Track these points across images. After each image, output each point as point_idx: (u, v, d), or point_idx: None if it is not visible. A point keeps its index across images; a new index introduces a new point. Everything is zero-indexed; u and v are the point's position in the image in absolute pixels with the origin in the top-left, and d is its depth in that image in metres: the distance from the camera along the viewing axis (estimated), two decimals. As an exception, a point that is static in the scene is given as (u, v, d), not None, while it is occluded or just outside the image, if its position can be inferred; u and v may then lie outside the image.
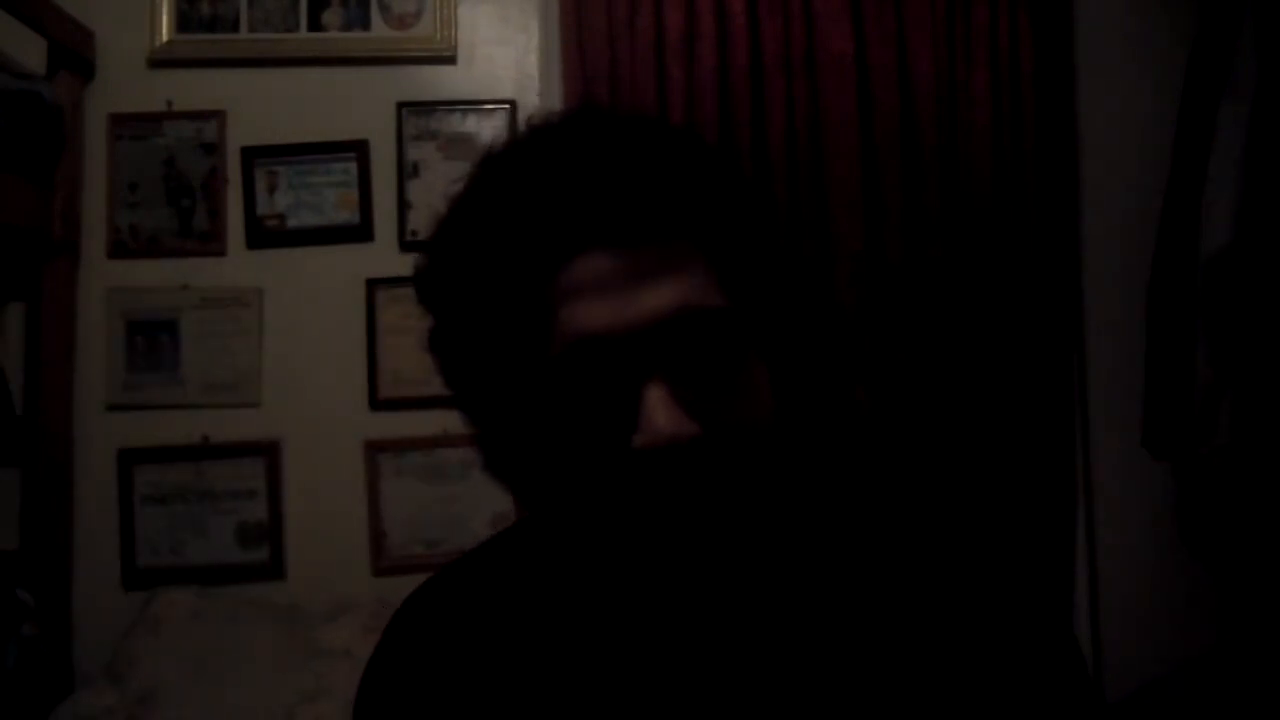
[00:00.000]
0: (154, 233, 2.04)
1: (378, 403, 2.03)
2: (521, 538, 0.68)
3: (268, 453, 2.01)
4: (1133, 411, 1.98)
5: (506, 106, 2.08)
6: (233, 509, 2.00)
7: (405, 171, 2.06)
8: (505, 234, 0.53)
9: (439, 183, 2.05)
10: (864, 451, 1.96)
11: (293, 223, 2.06)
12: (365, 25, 2.08)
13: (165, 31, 2.05)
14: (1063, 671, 0.57)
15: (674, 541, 0.52)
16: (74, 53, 1.98)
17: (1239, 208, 1.72)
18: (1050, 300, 2.03)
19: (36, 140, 1.86)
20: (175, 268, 2.03)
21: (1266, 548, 1.98)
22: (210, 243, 2.04)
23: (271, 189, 2.05)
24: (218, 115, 2.06)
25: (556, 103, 2.01)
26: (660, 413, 0.50)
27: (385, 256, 2.05)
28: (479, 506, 2.00)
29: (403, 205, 2.06)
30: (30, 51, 1.95)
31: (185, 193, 2.05)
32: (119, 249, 2.03)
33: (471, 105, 2.08)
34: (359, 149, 2.06)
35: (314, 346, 2.04)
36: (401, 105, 2.07)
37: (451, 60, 2.10)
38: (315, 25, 2.08)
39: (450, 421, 2.03)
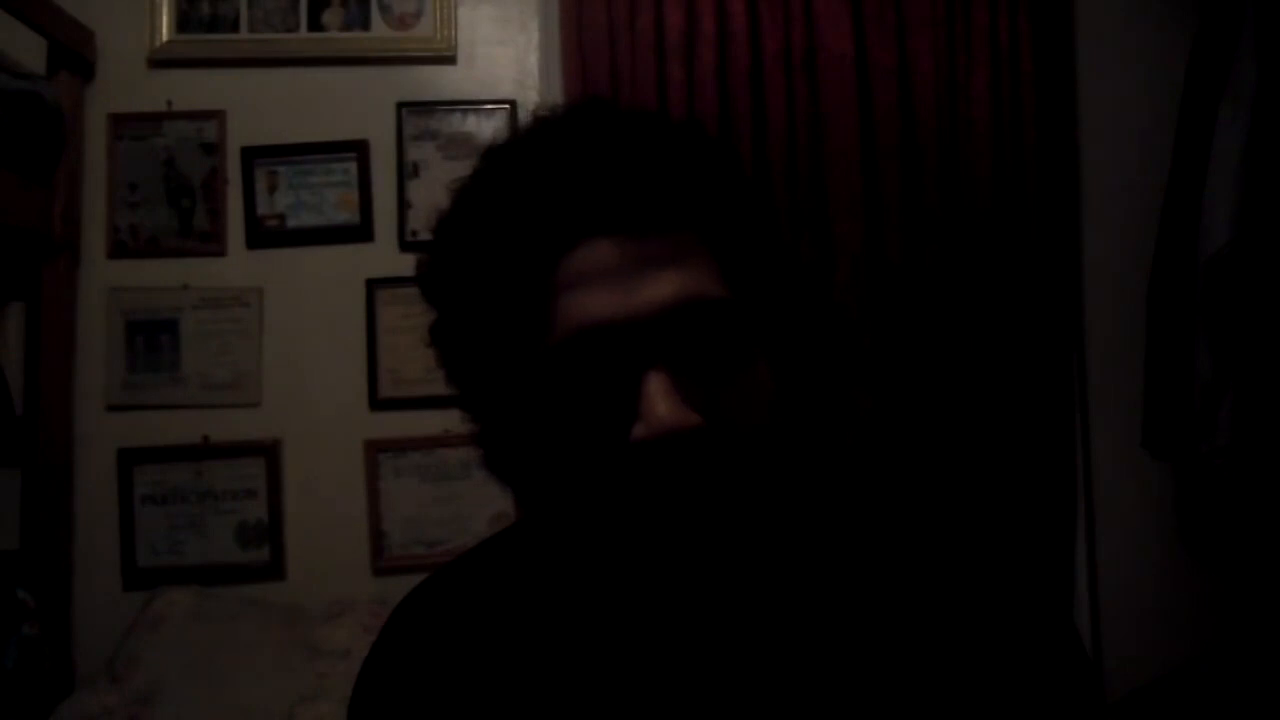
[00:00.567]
0: (154, 233, 2.04)
1: (378, 403, 2.03)
2: (519, 538, 0.68)
3: (268, 453, 2.01)
4: (1133, 411, 1.98)
5: (506, 106, 2.08)
6: (233, 509, 2.00)
7: (405, 171, 2.06)
8: (508, 222, 0.53)
9: (439, 183, 2.04)
10: (864, 450, 1.96)
11: (293, 223, 2.06)
12: (365, 25, 2.08)
13: (165, 31, 2.05)
14: (1065, 671, 0.57)
15: (673, 539, 0.52)
16: (74, 53, 1.98)
17: (1239, 208, 1.72)
18: (1050, 300, 2.03)
19: (36, 140, 1.86)
20: (175, 268, 2.03)
21: (1267, 548, 1.98)
22: (210, 243, 2.04)
23: (271, 189, 2.05)
24: (218, 115, 2.06)
25: (557, 103, 2.01)
26: (661, 402, 0.50)
27: (385, 256, 2.05)
28: (479, 506, 2.00)
29: (403, 205, 2.06)
30: (30, 51, 1.95)
31: (185, 193, 2.05)
32: (119, 249, 2.03)
33: (471, 105, 2.08)
34: (359, 149, 2.06)
35: (314, 346, 2.04)
36: (401, 105, 2.07)
37: (451, 60, 2.10)
38: (315, 25, 2.08)
39: (450, 421, 2.04)
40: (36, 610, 1.78)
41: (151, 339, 2.02)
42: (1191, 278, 1.80)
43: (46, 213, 1.91)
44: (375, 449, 2.02)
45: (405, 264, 2.04)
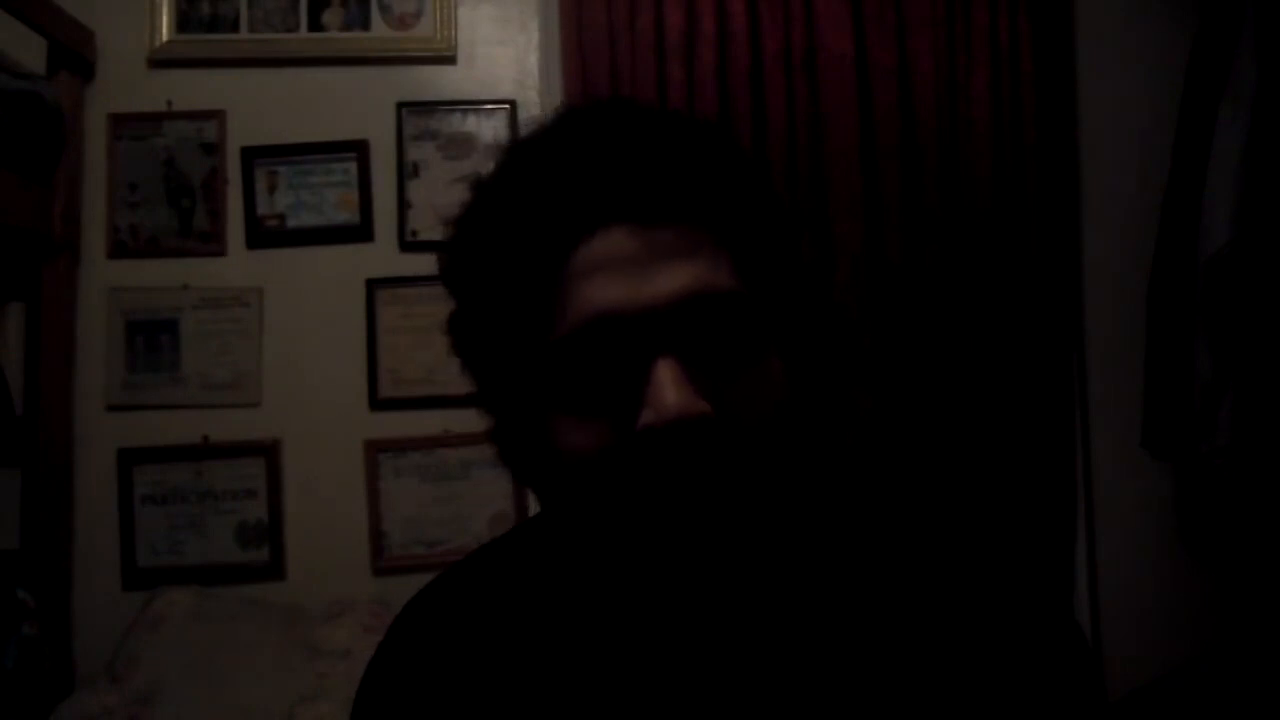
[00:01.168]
0: (154, 233, 2.04)
1: (378, 403, 2.03)
2: (525, 539, 0.68)
3: (268, 453, 2.01)
4: (1133, 411, 1.98)
5: (506, 106, 2.08)
6: (233, 509, 2.00)
7: (405, 171, 2.06)
8: (527, 210, 0.53)
9: (439, 183, 2.04)
10: (865, 450, 1.96)
11: (293, 223, 2.06)
12: (365, 25, 2.08)
13: (165, 31, 2.05)
14: (1067, 666, 0.57)
15: (679, 531, 0.51)
16: (74, 53, 1.98)
17: (1239, 208, 1.72)
18: (1050, 300, 2.03)
19: (36, 140, 1.86)
20: (175, 268, 2.03)
21: (1267, 548, 1.98)
22: (210, 243, 2.04)
23: (271, 189, 2.05)
24: (218, 115, 2.06)
25: (556, 103, 2.01)
26: (670, 389, 0.49)
27: (385, 256, 2.05)
28: (479, 506, 2.00)
29: (403, 205, 2.06)
30: (30, 51, 1.95)
31: (185, 193, 2.05)
32: (119, 249, 2.03)
33: (471, 105, 2.08)
34: (359, 149, 2.06)
35: (314, 346, 2.04)
36: (401, 105, 2.07)
37: (451, 60, 2.10)
38: (315, 25, 2.08)
39: (450, 421, 2.06)
40: (36, 610, 1.78)
41: (151, 339, 2.02)
42: (1191, 278, 1.80)
43: (46, 213, 1.91)
44: (375, 449, 2.02)
45: (405, 264, 2.05)
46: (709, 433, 0.50)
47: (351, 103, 2.07)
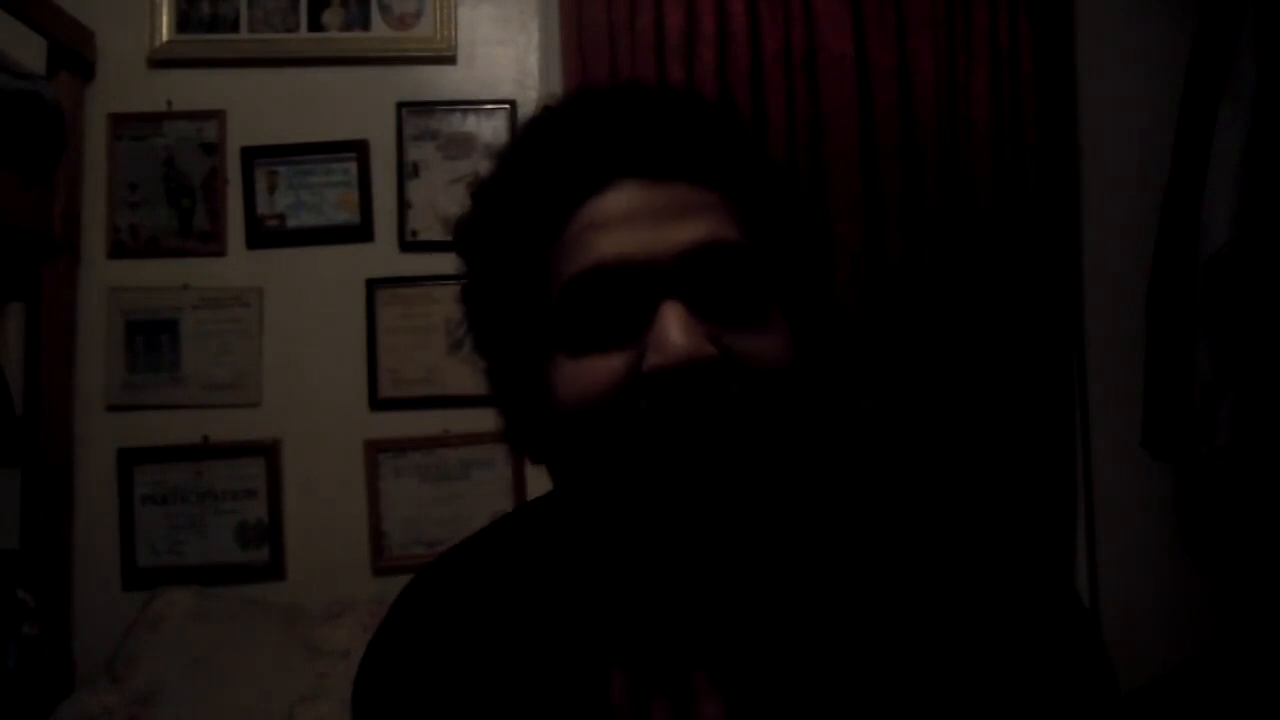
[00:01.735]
0: (154, 233, 2.04)
1: (378, 403, 2.03)
2: (525, 523, 0.68)
3: (268, 453, 2.01)
4: (1133, 411, 1.98)
5: (506, 106, 2.08)
6: (233, 509, 2.00)
7: (405, 171, 2.06)
8: (539, 168, 0.55)
9: (439, 183, 2.05)
10: (865, 450, 1.96)
11: (293, 223, 2.06)
12: (365, 25, 2.08)
13: (165, 31, 2.05)
14: (1077, 661, 0.57)
15: (686, 506, 0.50)
16: (74, 53, 1.98)
17: (1238, 208, 1.72)
18: (1050, 300, 2.03)
19: (36, 140, 1.87)
20: (175, 268, 2.04)
21: (1267, 548, 1.98)
22: (210, 243, 2.04)
23: (271, 189, 2.05)
24: (218, 115, 2.06)
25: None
26: (676, 330, 0.49)
27: (385, 256, 2.05)
28: (479, 506, 2.00)
29: (403, 205, 2.06)
30: (30, 51, 1.95)
31: (185, 193, 2.05)
32: (119, 249, 2.03)
33: (471, 105, 2.08)
34: (359, 149, 2.06)
35: (314, 346, 2.04)
36: (401, 105, 2.07)
37: (451, 60, 2.10)
38: (315, 25, 2.08)
39: (450, 421, 2.05)
40: (36, 610, 1.78)
41: (151, 339, 2.02)
42: (1191, 278, 1.80)
43: (46, 213, 1.91)
44: (375, 449, 2.02)
45: (405, 264, 2.05)
46: (716, 376, 0.50)
47: (351, 103, 2.07)
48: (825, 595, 0.58)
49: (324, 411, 2.03)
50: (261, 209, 2.05)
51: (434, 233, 2.03)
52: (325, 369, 2.04)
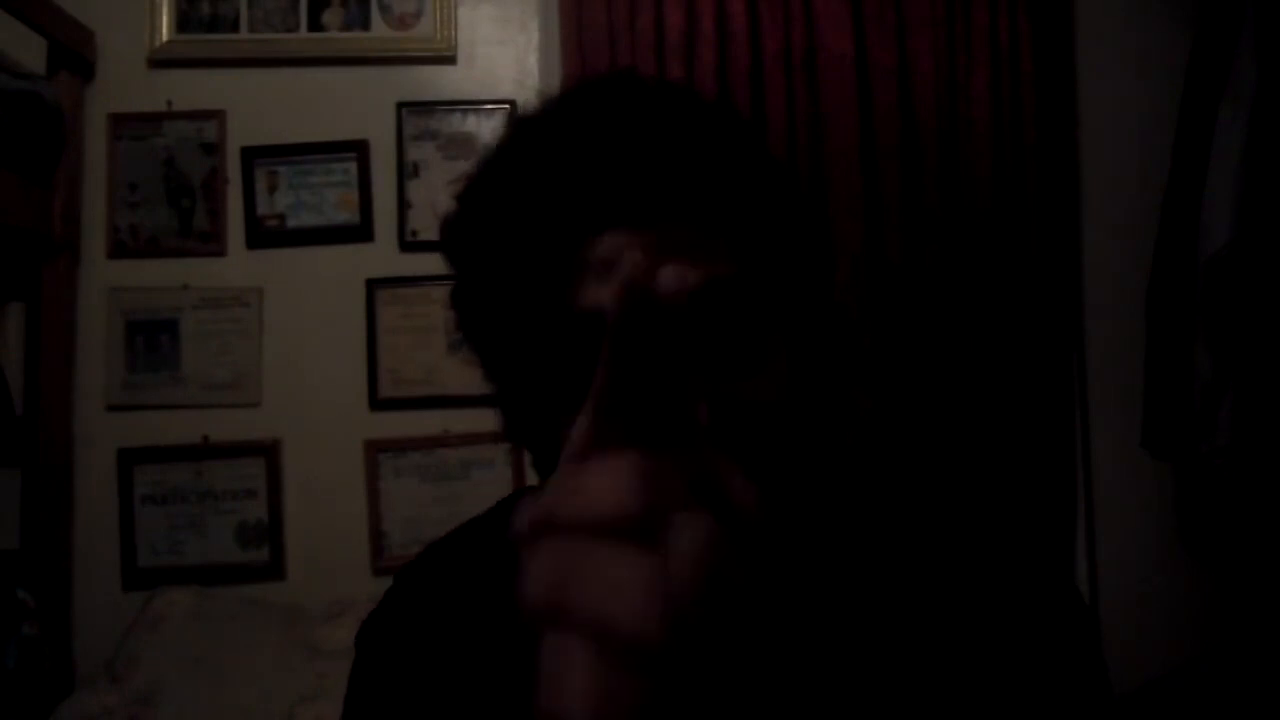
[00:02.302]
0: (154, 233, 2.04)
1: (378, 403, 2.03)
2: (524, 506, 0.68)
3: (268, 453, 2.01)
4: (1133, 411, 1.98)
5: (506, 106, 2.08)
6: (233, 509, 2.00)
7: (405, 171, 2.06)
8: (535, 206, 0.54)
9: (439, 183, 2.05)
10: (865, 450, 1.96)
11: (293, 223, 2.06)
12: (365, 25, 2.08)
13: (165, 31, 2.05)
14: (1075, 659, 0.57)
15: None
16: (74, 53, 1.98)
17: (1238, 208, 1.72)
18: (1050, 300, 2.03)
19: (36, 140, 1.86)
20: (175, 268, 2.04)
21: (1267, 548, 1.98)
22: (210, 243, 2.04)
23: (271, 189, 2.05)
24: (218, 115, 2.06)
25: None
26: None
27: (385, 256, 2.05)
28: (479, 506, 1.98)
29: (403, 205, 2.06)
30: (30, 51, 1.95)
31: (185, 193, 2.05)
32: (119, 249, 2.03)
33: (471, 105, 2.08)
34: (359, 149, 2.06)
35: (314, 346, 2.04)
36: (401, 105, 2.07)
37: (451, 60, 2.10)
38: (315, 25, 2.08)
39: (450, 421, 2.05)
40: (36, 610, 1.78)
41: (151, 339, 2.02)
42: (1191, 278, 1.80)
43: (46, 213, 1.91)
44: (375, 449, 2.02)
45: (405, 264, 2.05)
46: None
47: (351, 103, 2.07)
48: (824, 594, 0.58)
49: (324, 411, 2.03)
50: (261, 209, 2.05)
51: (434, 233, 2.02)
52: (325, 369, 2.04)
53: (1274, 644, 1.79)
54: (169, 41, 2.06)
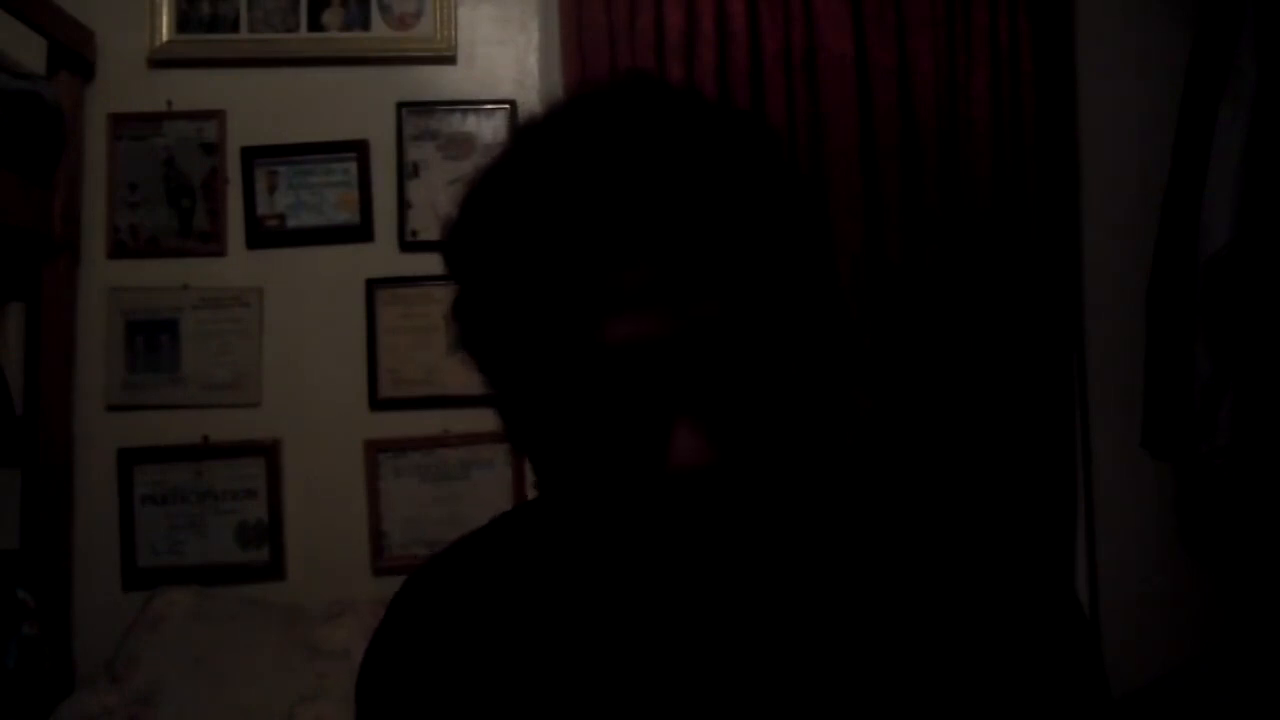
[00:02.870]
0: (154, 233, 2.04)
1: (378, 403, 2.03)
2: (528, 520, 0.68)
3: (268, 453, 2.01)
4: (1133, 411, 1.98)
5: (506, 106, 2.08)
6: (233, 509, 2.00)
7: (405, 171, 2.06)
8: (551, 231, 0.52)
9: (439, 183, 2.05)
10: (865, 452, 1.96)
11: (293, 223, 2.06)
12: (365, 25, 2.08)
13: (165, 31, 2.05)
14: (1073, 667, 0.57)
15: (682, 539, 0.52)
16: (74, 53, 1.98)
17: (1239, 208, 1.73)
18: (1050, 300, 2.03)
19: (36, 140, 1.86)
20: (175, 268, 2.04)
21: (1267, 548, 1.98)
22: (210, 243, 2.04)
23: (271, 189, 2.05)
24: (218, 115, 2.06)
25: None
26: (684, 442, 0.50)
27: (385, 256, 2.05)
28: (479, 506, 2.00)
29: (403, 205, 2.06)
30: (30, 51, 1.95)
31: (185, 193, 2.05)
32: (119, 249, 2.03)
33: (471, 105, 2.08)
34: (359, 149, 2.06)
35: (314, 346, 2.04)
36: (401, 105, 2.07)
37: (451, 60, 2.10)
38: (315, 25, 2.08)
39: (450, 421, 2.05)
40: (36, 610, 1.78)
41: (151, 339, 2.02)
42: (1191, 278, 1.80)
43: (46, 213, 1.91)
44: (375, 449, 2.02)
45: (405, 264, 2.05)
46: (719, 481, 0.51)
47: (351, 103, 2.07)
48: (822, 595, 0.58)
49: (324, 411, 2.03)
50: (261, 209, 2.05)
51: (434, 233, 2.03)
52: (325, 369, 2.04)
53: (1274, 644, 1.79)
54: (169, 41, 2.06)
